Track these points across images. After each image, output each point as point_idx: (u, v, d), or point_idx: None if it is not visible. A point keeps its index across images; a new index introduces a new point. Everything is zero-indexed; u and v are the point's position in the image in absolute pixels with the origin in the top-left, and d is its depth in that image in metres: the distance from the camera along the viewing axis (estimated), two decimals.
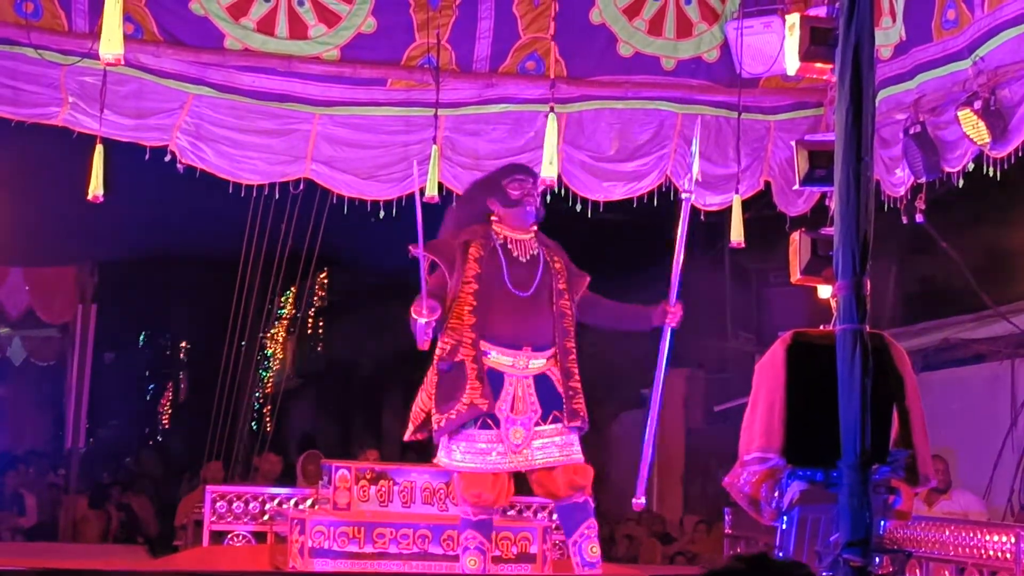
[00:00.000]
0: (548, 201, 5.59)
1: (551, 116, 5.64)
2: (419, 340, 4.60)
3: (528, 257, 4.71)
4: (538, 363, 4.63)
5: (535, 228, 4.81)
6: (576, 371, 4.67)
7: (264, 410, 17.96)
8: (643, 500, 4.75)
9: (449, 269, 4.66)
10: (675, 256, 4.72)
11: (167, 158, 6.10)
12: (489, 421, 4.57)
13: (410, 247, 4.67)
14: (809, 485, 3.68)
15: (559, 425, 4.61)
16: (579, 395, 4.67)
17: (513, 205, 4.74)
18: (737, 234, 6.23)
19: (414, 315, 4.55)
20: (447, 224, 4.90)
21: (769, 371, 3.90)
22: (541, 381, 4.64)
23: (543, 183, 4.85)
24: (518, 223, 4.75)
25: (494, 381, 4.59)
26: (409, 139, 6.32)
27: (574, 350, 4.70)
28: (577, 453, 4.65)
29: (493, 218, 4.77)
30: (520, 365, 4.60)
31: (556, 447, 4.59)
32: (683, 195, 4.89)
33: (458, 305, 4.63)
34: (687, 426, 10.92)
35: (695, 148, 4.87)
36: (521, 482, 4.82)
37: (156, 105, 6.06)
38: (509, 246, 4.72)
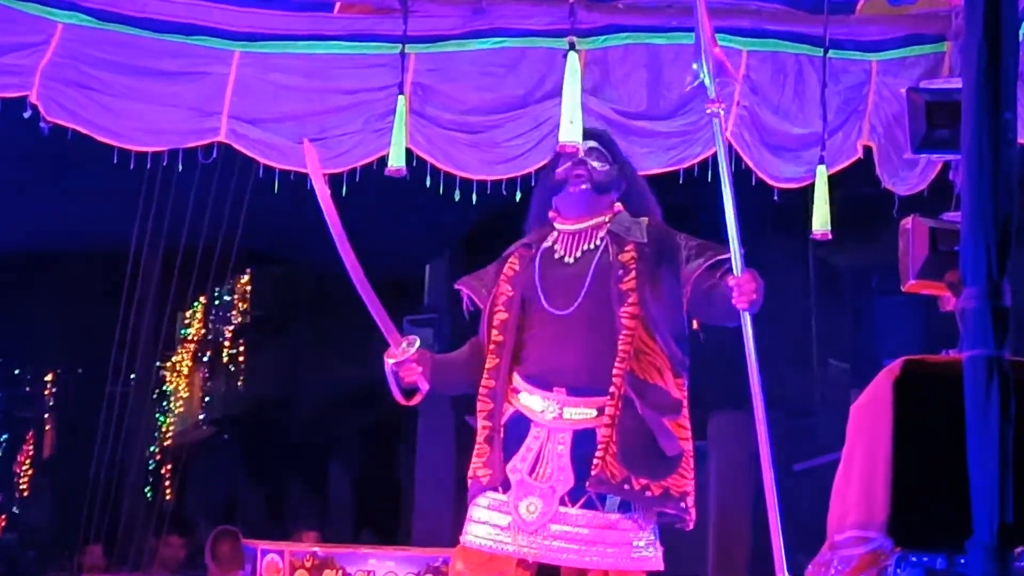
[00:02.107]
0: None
1: (571, 55, 5.59)
2: (393, 389, 4.58)
3: (577, 256, 4.61)
4: (578, 413, 4.46)
5: (616, 210, 4.66)
6: (641, 409, 4.39)
7: (163, 471, 17.98)
8: None
9: (485, 305, 4.68)
10: (726, 204, 4.50)
11: (27, 113, 6.11)
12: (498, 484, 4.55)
13: (456, 285, 4.74)
14: (927, 575, 3.69)
15: (596, 512, 4.43)
16: (610, 444, 4.36)
17: (559, 190, 4.70)
18: (821, 221, 6.22)
19: (385, 357, 4.55)
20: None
21: (871, 415, 3.90)
22: (582, 442, 4.45)
23: (566, 150, 4.73)
24: (566, 212, 4.69)
25: (516, 430, 4.52)
26: (366, 86, 6.33)
27: (636, 379, 4.42)
28: (625, 557, 4.42)
29: (551, 214, 4.75)
30: (550, 413, 4.49)
31: (581, 542, 4.41)
32: (708, 109, 4.68)
33: (489, 347, 4.64)
34: (756, 491, 10.95)
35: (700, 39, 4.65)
36: None
37: (11, 39, 6.07)
38: (556, 247, 4.65)
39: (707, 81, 4.61)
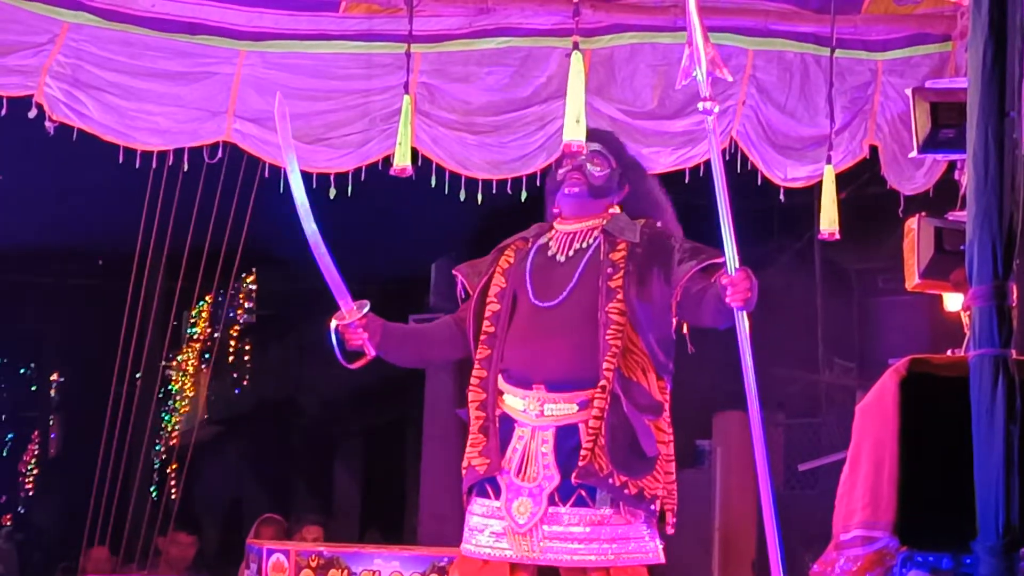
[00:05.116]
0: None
1: (575, 55, 5.61)
2: (335, 350, 4.56)
3: (570, 254, 4.62)
4: (559, 409, 4.47)
5: (613, 211, 4.67)
6: (626, 407, 4.40)
7: (168, 470, 17.95)
8: None
9: (475, 292, 4.70)
10: (719, 200, 4.39)
11: (32, 113, 6.11)
12: (488, 487, 4.53)
13: (453, 270, 4.76)
14: (932, 575, 3.68)
15: (589, 509, 4.44)
16: (599, 437, 4.36)
17: (558, 189, 4.72)
18: (829, 221, 6.22)
19: (333, 318, 4.55)
20: None
21: (876, 415, 3.89)
22: (565, 438, 4.45)
23: (571, 149, 4.69)
24: (564, 212, 4.71)
25: (505, 432, 4.53)
26: (371, 86, 6.34)
27: (622, 376, 4.43)
28: (623, 552, 4.42)
29: (554, 210, 4.77)
30: (532, 410, 4.48)
31: (577, 541, 4.41)
32: (700, 107, 4.47)
33: (480, 337, 4.64)
34: (760, 492, 10.93)
35: (696, 35, 4.50)
36: None
37: (16, 38, 6.08)
38: (551, 244, 4.67)
39: (700, 77, 4.52)
